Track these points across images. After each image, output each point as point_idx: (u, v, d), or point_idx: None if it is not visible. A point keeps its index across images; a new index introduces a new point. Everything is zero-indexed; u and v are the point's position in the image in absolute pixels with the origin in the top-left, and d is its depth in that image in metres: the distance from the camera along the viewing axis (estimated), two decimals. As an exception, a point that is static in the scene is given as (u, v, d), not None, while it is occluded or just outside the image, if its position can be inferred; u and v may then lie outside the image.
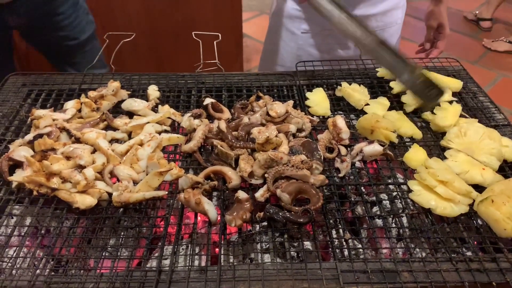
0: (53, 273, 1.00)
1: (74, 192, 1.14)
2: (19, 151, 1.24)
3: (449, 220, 1.13)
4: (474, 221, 1.13)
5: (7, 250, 1.07)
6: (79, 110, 1.46)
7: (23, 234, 1.09)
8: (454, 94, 1.55)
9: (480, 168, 1.23)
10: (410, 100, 1.49)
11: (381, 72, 1.65)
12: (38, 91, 1.60)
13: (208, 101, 1.47)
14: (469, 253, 1.05)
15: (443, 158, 1.28)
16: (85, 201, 1.12)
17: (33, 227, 1.12)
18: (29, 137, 1.30)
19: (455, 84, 1.58)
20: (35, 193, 1.15)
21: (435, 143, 1.37)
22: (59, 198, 1.14)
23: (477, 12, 4.98)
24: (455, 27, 4.84)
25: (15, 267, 1.01)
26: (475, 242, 1.10)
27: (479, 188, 1.18)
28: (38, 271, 1.00)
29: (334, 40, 1.89)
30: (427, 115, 1.45)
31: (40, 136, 1.28)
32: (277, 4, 1.95)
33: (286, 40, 1.95)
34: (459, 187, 1.14)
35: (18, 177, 1.18)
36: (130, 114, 1.47)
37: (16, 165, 1.24)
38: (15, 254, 1.04)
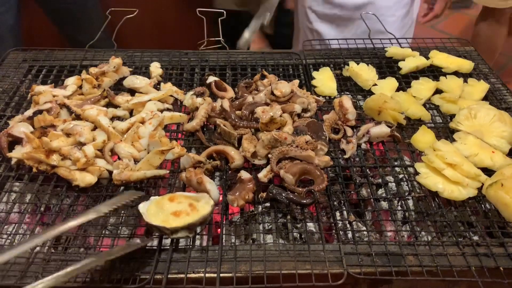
0: (52, 250, 0.99)
1: (74, 170, 1.12)
2: (19, 127, 1.22)
3: (456, 203, 1.10)
4: (482, 205, 1.10)
5: (6, 226, 1.06)
6: (80, 87, 1.43)
7: (22, 211, 1.08)
8: (464, 75, 1.51)
9: (490, 151, 1.19)
10: (419, 85, 1.45)
11: (390, 52, 1.61)
12: (39, 67, 1.57)
13: (211, 79, 1.44)
14: (476, 238, 1.03)
15: (452, 140, 1.25)
16: (85, 178, 1.10)
17: (32, 204, 1.11)
18: (28, 113, 1.28)
19: (466, 65, 1.54)
20: (34, 170, 1.13)
21: (444, 125, 1.33)
22: (59, 176, 1.12)
23: None
24: (467, 10, 4.71)
25: (14, 244, 1.00)
26: (483, 227, 1.07)
27: (488, 171, 1.15)
28: (37, 248, 0.98)
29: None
30: (436, 99, 1.41)
31: (40, 112, 1.26)
32: None
33: None
34: (468, 170, 1.11)
35: (17, 153, 1.16)
36: (132, 92, 1.44)
37: (15, 141, 1.22)
38: (14, 230, 1.03)
